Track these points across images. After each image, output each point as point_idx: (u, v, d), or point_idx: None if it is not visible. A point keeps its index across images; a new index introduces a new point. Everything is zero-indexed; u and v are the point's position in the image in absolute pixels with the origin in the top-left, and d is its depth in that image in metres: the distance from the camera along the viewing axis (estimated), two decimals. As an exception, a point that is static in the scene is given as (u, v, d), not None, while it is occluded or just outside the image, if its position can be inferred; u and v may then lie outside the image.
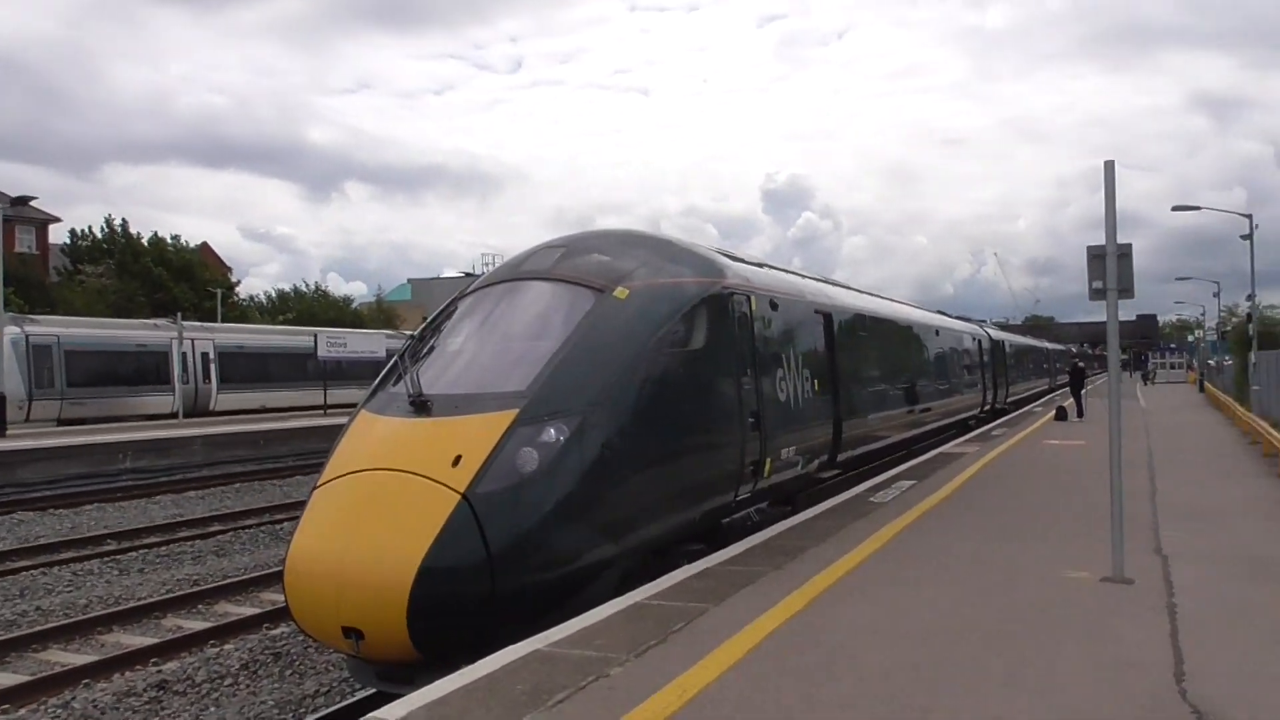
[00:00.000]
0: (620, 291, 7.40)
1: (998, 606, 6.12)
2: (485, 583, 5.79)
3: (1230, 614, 5.98)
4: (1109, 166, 6.71)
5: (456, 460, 6.09)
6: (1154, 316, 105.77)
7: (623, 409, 6.85)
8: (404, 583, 5.63)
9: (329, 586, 5.83)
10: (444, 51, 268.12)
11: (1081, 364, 29.06)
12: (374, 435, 6.72)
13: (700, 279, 8.29)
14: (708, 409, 7.92)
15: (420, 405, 6.61)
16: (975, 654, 5.13)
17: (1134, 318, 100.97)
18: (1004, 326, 60.19)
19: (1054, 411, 25.17)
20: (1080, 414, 24.38)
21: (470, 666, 4.91)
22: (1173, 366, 73.31)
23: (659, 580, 6.75)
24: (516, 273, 8.02)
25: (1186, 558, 7.65)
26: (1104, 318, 7.09)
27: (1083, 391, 26.11)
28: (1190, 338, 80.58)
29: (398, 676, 5.97)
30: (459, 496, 5.91)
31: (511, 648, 5.20)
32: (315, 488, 6.56)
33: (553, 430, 6.34)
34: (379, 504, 6.08)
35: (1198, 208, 31.29)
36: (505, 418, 6.33)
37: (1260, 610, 6.08)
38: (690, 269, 8.35)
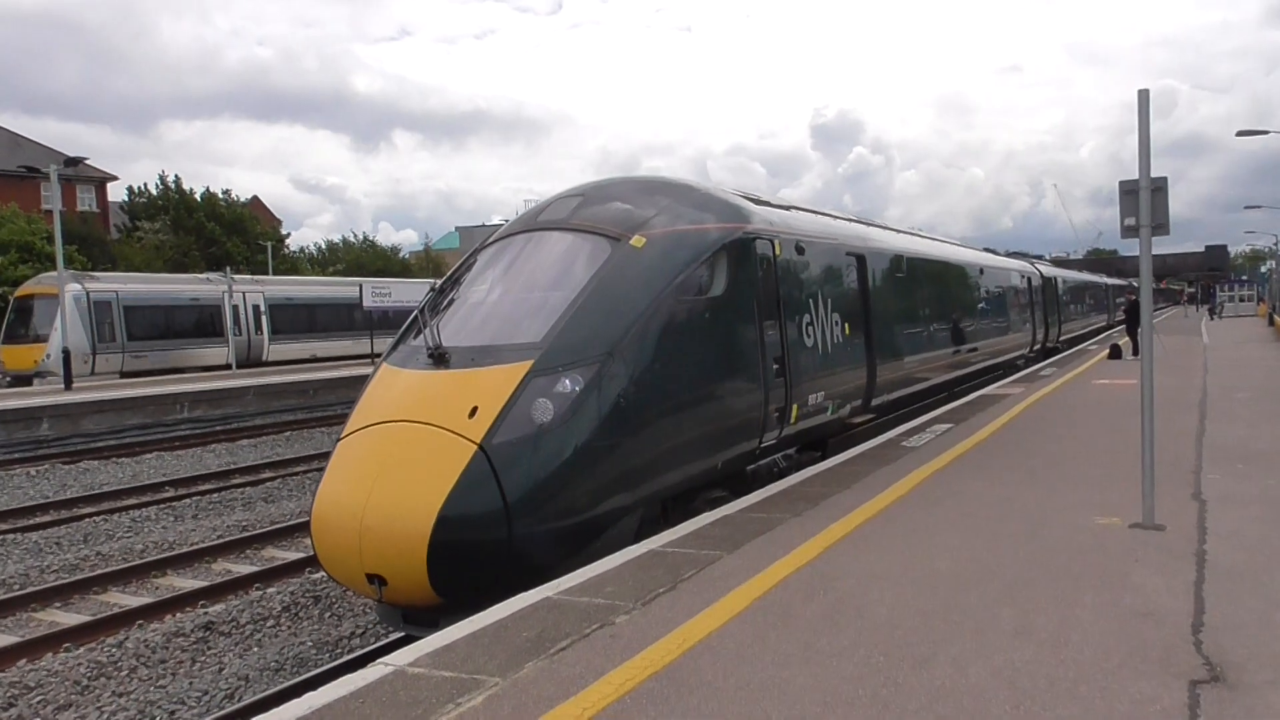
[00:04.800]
0: (637, 240, 7.33)
1: (1018, 554, 6.02)
2: (502, 530, 5.89)
3: (1264, 563, 5.78)
4: (1143, 96, 6.38)
5: (473, 412, 6.17)
6: (1224, 247, 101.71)
7: (639, 358, 6.83)
8: (423, 531, 5.76)
9: (352, 535, 5.98)
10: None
11: (1138, 299, 28.13)
12: (395, 388, 6.82)
13: (722, 224, 8.15)
14: (728, 356, 7.85)
15: (438, 358, 6.68)
16: (987, 603, 5.07)
17: (1202, 248, 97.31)
18: (1063, 262, 58.53)
19: (1108, 349, 24.50)
20: (1135, 352, 23.69)
21: (480, 614, 5.01)
22: (1242, 299, 70.52)
23: (677, 527, 6.78)
24: (534, 223, 7.98)
25: (1226, 503, 7.41)
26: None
27: (1139, 329, 25.33)
28: (1262, 268, 77.38)
29: (423, 620, 6.14)
30: (475, 447, 6.00)
31: (522, 595, 5.29)
32: (339, 439, 6.70)
33: (567, 381, 6.36)
34: (399, 454, 6.19)
35: (1265, 132, 29.63)
36: (520, 369, 6.37)
37: (1296, 557, 5.88)
38: (712, 214, 8.22)
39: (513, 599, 5.23)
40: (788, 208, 10.28)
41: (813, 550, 6.10)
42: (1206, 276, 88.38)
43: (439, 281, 8.23)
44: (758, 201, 9.46)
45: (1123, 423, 11.88)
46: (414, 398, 6.55)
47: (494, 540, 5.90)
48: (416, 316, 7.37)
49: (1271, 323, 42.97)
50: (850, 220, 12.93)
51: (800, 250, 9.40)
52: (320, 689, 4.23)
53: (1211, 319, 55.90)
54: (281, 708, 4.07)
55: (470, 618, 4.96)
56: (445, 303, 7.65)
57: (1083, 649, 4.39)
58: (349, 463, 6.41)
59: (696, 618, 4.82)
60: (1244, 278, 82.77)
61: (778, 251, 8.80)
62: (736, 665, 4.24)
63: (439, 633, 4.80)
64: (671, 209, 7.93)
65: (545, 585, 5.46)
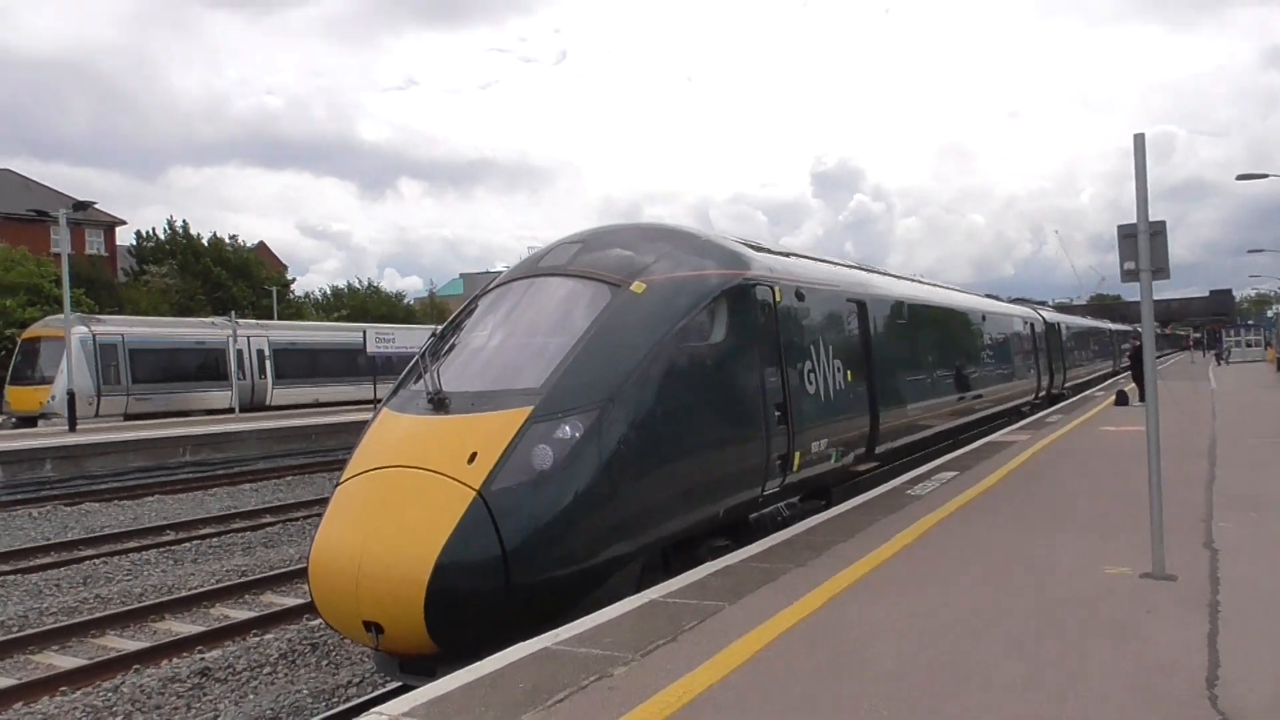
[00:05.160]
0: (637, 286, 7.34)
1: (1026, 605, 5.92)
2: (500, 578, 5.81)
3: None
4: (1138, 140, 6.42)
5: (472, 457, 6.12)
6: (1229, 291, 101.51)
7: (639, 404, 6.80)
8: (420, 578, 5.68)
9: (349, 582, 5.91)
10: (489, 45, 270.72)
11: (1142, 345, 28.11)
12: (394, 433, 6.78)
13: (722, 271, 8.17)
14: (729, 403, 7.81)
15: (438, 403, 6.65)
16: (995, 655, 4.97)
17: (1206, 293, 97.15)
18: (1066, 308, 58.65)
19: (1114, 396, 24.41)
20: (1142, 398, 23.58)
21: (477, 664, 4.92)
22: (1249, 344, 70.12)
23: (678, 577, 6.68)
24: (534, 269, 8.01)
25: (1239, 551, 7.29)
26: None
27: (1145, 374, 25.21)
28: (1269, 313, 77.23)
29: (420, 669, 6.03)
30: (474, 493, 5.94)
31: (519, 645, 5.19)
32: (338, 484, 6.65)
33: (567, 427, 6.32)
34: (396, 501, 6.14)
35: (1265, 175, 29.81)
36: (520, 415, 6.33)
37: (1313, 608, 5.77)
38: (712, 261, 8.24)
39: (510, 649, 5.14)
40: (787, 254, 10.32)
41: (816, 600, 6.00)
42: (1212, 321, 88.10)
43: (440, 327, 8.24)
44: (757, 248, 9.49)
45: (1131, 470, 11.77)
46: (413, 443, 6.51)
47: (492, 589, 5.81)
48: (417, 362, 7.36)
49: None
50: (851, 267, 12.97)
51: (800, 296, 9.41)
52: (312, 741, 4.13)
53: (1219, 364, 55.73)
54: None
55: (466, 668, 4.87)
56: (446, 348, 7.64)
57: (1092, 703, 4.29)
58: (347, 508, 6.36)
59: (697, 669, 4.72)
60: (1250, 322, 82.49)
61: (778, 298, 8.81)
62: (738, 718, 4.14)
63: (434, 683, 4.71)
64: (672, 255, 7.95)
65: (543, 635, 5.37)
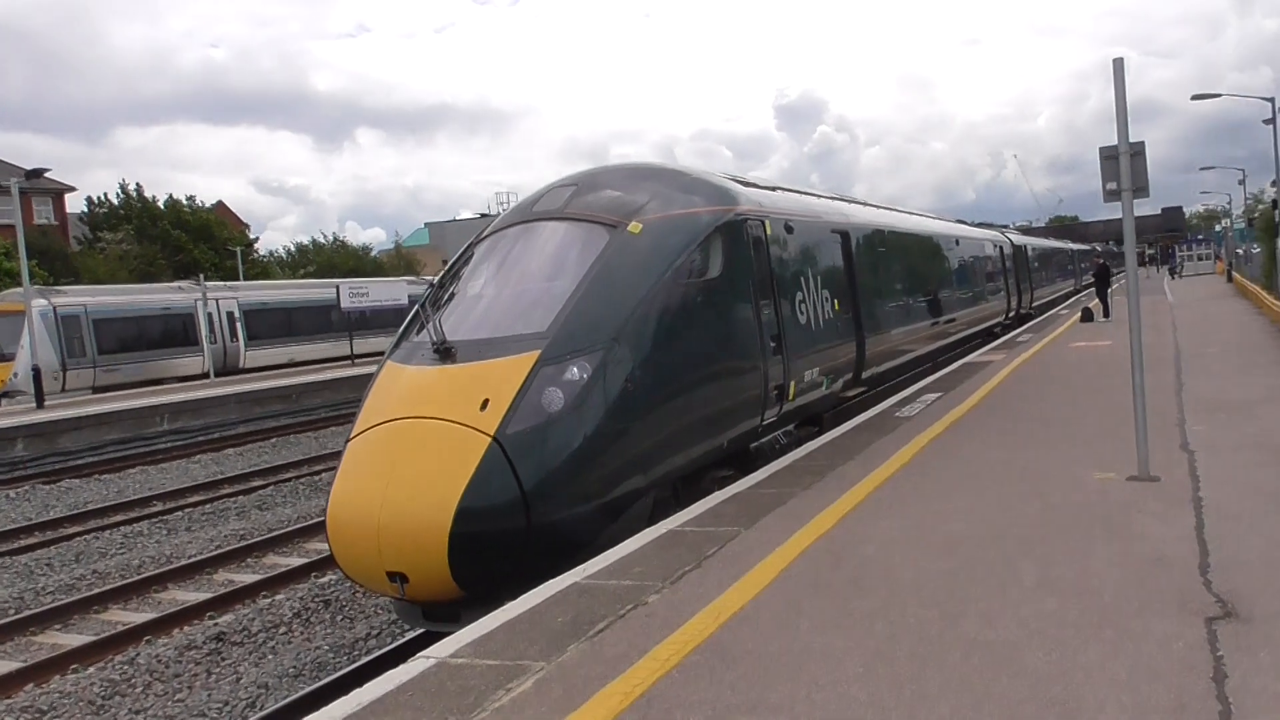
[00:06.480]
0: (634, 226, 7.40)
1: (1027, 512, 6.21)
2: (521, 519, 5.94)
3: (1257, 503, 6.03)
4: (1118, 65, 6.55)
5: (484, 404, 6.20)
6: (1180, 208, 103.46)
7: (642, 343, 6.91)
8: (443, 525, 5.79)
9: (370, 534, 5.99)
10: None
11: (1105, 263, 28.70)
12: (402, 385, 6.83)
13: (713, 207, 8.24)
14: (728, 337, 7.96)
15: (445, 352, 6.69)
16: (1006, 559, 5.24)
17: (1159, 211, 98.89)
18: (1027, 230, 59.33)
19: (1080, 313, 24.95)
20: (1106, 314, 24.14)
21: (513, 602, 5.07)
22: (1200, 258, 71.89)
23: (691, 507, 6.89)
24: (529, 214, 8.02)
25: (1213, 451, 7.68)
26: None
27: (1109, 291, 25.79)
28: (1217, 228, 79.02)
29: (443, 615, 6.17)
30: (489, 439, 6.03)
31: (551, 581, 5.36)
32: (349, 439, 6.70)
33: (575, 369, 6.43)
34: (413, 451, 6.21)
35: (1217, 95, 30.35)
36: (528, 359, 6.41)
37: (1287, 497, 6.11)
38: (703, 198, 8.31)
39: (541, 587, 5.30)
40: (773, 188, 10.39)
41: (829, 520, 6.23)
42: (1165, 237, 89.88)
43: (436, 277, 8.24)
44: (744, 183, 9.56)
45: (1103, 382, 12.17)
46: (423, 393, 6.57)
47: (513, 530, 5.95)
48: (418, 312, 7.38)
49: (1230, 279, 43.87)
50: (832, 198, 13.09)
51: (789, 229, 9.53)
52: (366, 685, 4.23)
53: (1173, 278, 56.95)
54: (330, 705, 4.09)
55: (503, 607, 5.02)
56: (446, 297, 7.66)
57: (1102, 596, 4.58)
58: (362, 462, 6.42)
59: (727, 592, 4.93)
60: (1200, 237, 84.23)
61: (768, 231, 8.92)
62: (776, 633, 4.36)
63: (475, 624, 4.85)
64: (663, 194, 8.00)
65: (572, 571, 5.54)
